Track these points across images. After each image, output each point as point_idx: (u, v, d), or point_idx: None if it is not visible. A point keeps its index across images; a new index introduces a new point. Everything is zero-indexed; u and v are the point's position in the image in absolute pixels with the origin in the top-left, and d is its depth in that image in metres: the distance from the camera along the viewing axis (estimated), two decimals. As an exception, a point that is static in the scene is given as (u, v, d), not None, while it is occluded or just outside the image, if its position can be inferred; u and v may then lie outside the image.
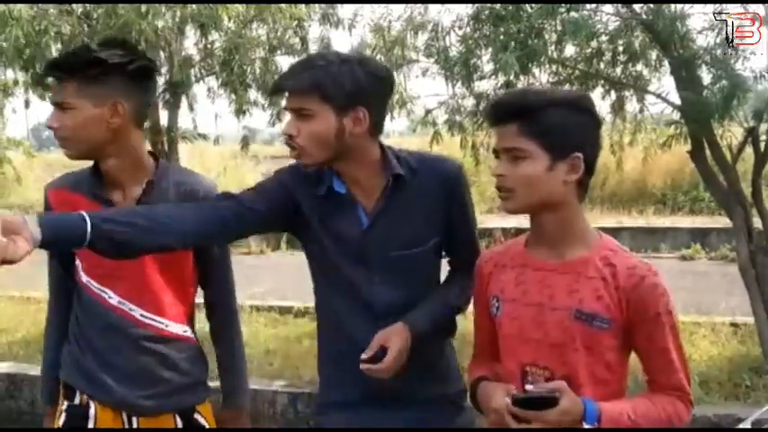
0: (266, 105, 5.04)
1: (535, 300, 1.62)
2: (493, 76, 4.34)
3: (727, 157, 4.14)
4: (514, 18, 3.85)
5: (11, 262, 1.38)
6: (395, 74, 4.76)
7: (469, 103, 4.69)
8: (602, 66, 4.65)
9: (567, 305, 1.58)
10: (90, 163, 1.95)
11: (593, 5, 4.03)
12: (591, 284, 1.57)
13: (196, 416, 2.01)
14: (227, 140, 7.49)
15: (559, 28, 3.93)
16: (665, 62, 4.36)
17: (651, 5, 3.87)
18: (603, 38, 4.26)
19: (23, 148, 8.38)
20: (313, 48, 4.58)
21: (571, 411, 1.49)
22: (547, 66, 4.26)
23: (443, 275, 1.99)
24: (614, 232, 9.47)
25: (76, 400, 1.95)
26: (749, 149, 4.16)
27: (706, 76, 3.88)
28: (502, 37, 3.85)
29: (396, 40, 3.96)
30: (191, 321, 2.04)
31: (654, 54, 4.57)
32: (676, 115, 4.25)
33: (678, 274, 7.64)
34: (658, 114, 4.94)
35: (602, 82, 4.74)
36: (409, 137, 14.20)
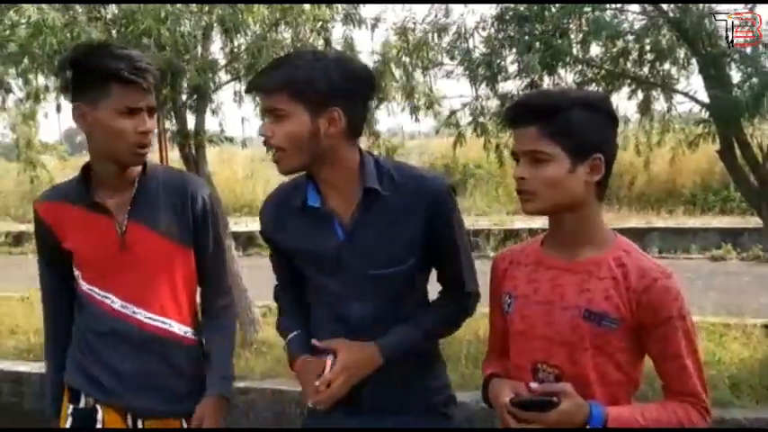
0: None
1: (546, 298, 1.63)
2: (517, 77, 4.33)
3: (757, 157, 4.08)
4: (538, 18, 3.83)
5: None
6: (422, 75, 4.82)
7: (494, 104, 4.67)
8: (628, 65, 4.60)
9: (576, 304, 1.58)
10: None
11: (618, 5, 3.99)
12: (602, 284, 1.57)
13: None
14: (255, 143, 7.52)
15: (584, 28, 3.91)
16: (694, 60, 4.31)
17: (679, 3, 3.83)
18: (629, 37, 4.23)
19: (57, 153, 8.54)
20: (337, 49, 4.59)
21: (573, 413, 1.49)
22: (572, 66, 4.22)
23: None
24: (643, 233, 9.49)
25: (81, 404, 1.96)
26: (780, 148, 4.09)
27: (735, 74, 3.84)
28: (526, 37, 3.84)
29: (419, 43, 3.96)
30: (194, 322, 2.05)
31: (682, 52, 4.52)
32: (705, 114, 4.21)
33: (709, 275, 7.54)
34: (686, 113, 4.88)
35: (629, 81, 4.69)
36: (434, 138, 14.20)
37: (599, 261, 1.59)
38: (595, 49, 4.51)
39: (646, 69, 4.67)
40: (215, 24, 4.51)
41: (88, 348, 1.95)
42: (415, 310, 1.86)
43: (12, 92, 6.84)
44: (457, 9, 4.16)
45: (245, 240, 11.00)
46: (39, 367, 5.00)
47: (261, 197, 14.10)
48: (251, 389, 4.33)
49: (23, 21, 3.90)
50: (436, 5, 4.14)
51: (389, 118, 4.98)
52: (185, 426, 1.98)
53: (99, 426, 1.93)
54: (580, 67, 4.32)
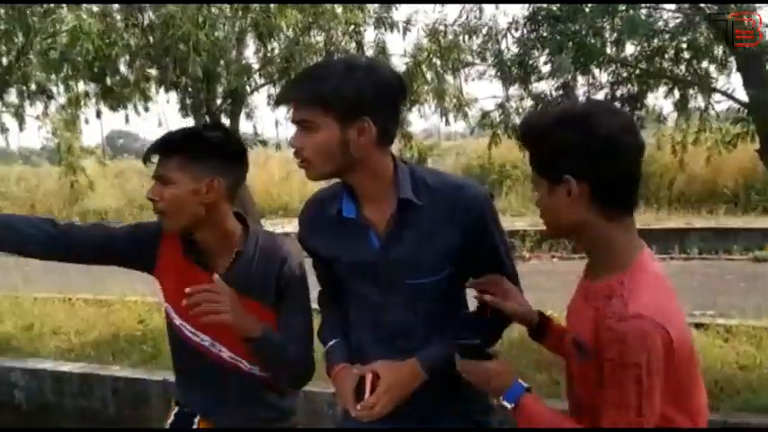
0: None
1: (569, 320, 1.62)
2: (551, 78, 4.30)
3: (799, 155, 3.98)
4: (571, 18, 3.80)
5: None
6: (453, 77, 4.82)
7: (527, 104, 4.64)
8: (665, 63, 4.54)
9: (573, 329, 1.56)
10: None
11: (653, 4, 3.93)
12: (588, 313, 1.48)
13: None
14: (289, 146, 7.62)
15: (618, 27, 3.86)
16: (732, 58, 4.23)
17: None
18: (665, 35, 4.16)
19: (96, 157, 8.70)
20: (369, 52, 4.61)
21: (501, 375, 1.56)
22: (605, 65, 4.17)
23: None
24: (683, 234, 9.31)
25: (186, 408, 2.13)
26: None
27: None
28: (558, 37, 3.81)
29: (450, 45, 3.96)
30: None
31: (720, 50, 4.44)
32: (744, 113, 4.12)
33: (751, 276, 7.38)
34: (724, 112, 4.78)
35: (665, 80, 4.63)
36: (471, 138, 14.13)
37: (598, 288, 1.49)
38: (630, 48, 4.46)
39: (683, 68, 4.60)
40: (249, 29, 4.57)
41: (189, 379, 2.14)
42: (456, 319, 1.83)
43: (54, 98, 7.04)
44: (488, 10, 4.16)
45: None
46: (80, 367, 5.12)
47: (297, 199, 14.27)
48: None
49: (64, 28, 3.99)
50: (468, 6, 4.13)
51: (423, 120, 4.97)
52: None
53: (195, 426, 2.09)
54: (614, 66, 4.26)
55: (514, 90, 4.78)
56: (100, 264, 2.08)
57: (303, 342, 1.97)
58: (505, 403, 1.53)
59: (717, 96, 4.59)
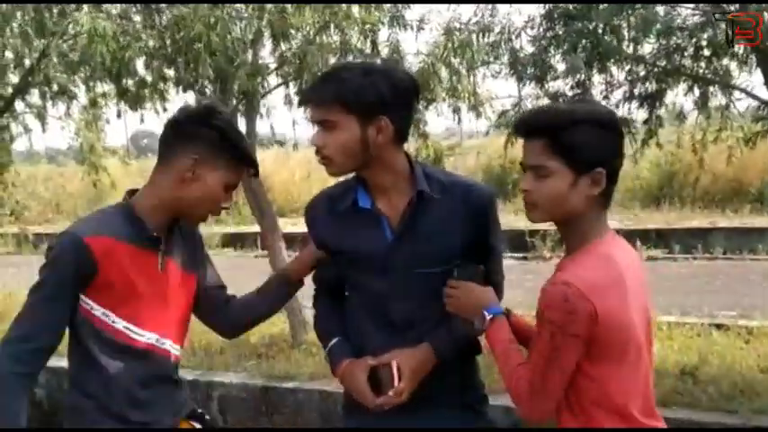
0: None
1: None
2: (568, 76, 4.26)
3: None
4: (585, 16, 3.76)
5: None
6: (468, 76, 4.79)
7: (544, 103, 4.59)
8: (684, 61, 4.47)
9: None
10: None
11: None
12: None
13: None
14: (307, 145, 7.62)
15: (635, 24, 3.81)
16: (753, 56, 4.15)
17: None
18: (684, 33, 4.10)
19: (119, 157, 8.79)
20: (384, 51, 4.60)
21: (483, 293, 1.79)
22: (622, 64, 4.12)
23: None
24: (706, 233, 9.18)
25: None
26: None
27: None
28: (573, 35, 3.77)
29: (463, 43, 3.93)
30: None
31: (741, 47, 4.36)
32: (765, 111, 4.05)
33: (775, 277, 7.27)
34: (744, 110, 4.70)
35: (684, 78, 4.56)
36: (492, 137, 14.03)
37: (559, 264, 1.71)
38: (648, 46, 4.40)
39: (702, 65, 4.53)
40: (264, 29, 4.58)
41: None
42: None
43: (76, 99, 7.13)
44: (503, 8, 4.13)
45: (303, 241, 11.13)
46: (98, 365, 5.18)
47: (317, 198, 14.37)
48: (299, 389, 4.38)
49: (80, 30, 4.04)
50: (482, 5, 4.11)
51: (442, 118, 4.97)
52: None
53: None
54: (631, 64, 4.21)
55: (531, 89, 4.76)
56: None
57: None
58: (486, 316, 1.74)
59: (737, 94, 4.50)
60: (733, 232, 9.41)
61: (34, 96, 7.19)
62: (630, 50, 4.26)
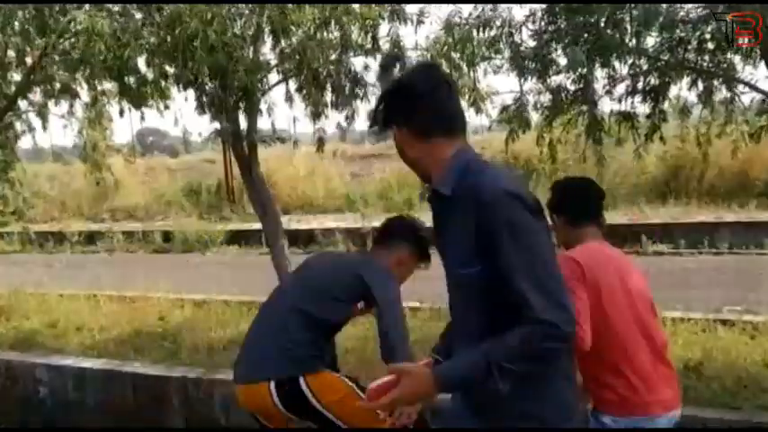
0: (341, 107, 5.08)
1: None
2: (570, 71, 4.22)
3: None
4: (587, 10, 3.72)
5: None
6: (468, 71, 4.75)
7: (545, 98, 4.57)
8: (687, 55, 4.42)
9: None
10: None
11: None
12: None
13: None
14: (309, 142, 7.58)
15: (636, 18, 3.77)
16: (757, 49, 4.10)
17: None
18: (688, 26, 4.05)
19: (122, 155, 8.78)
20: (385, 47, 4.56)
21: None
22: (624, 58, 4.08)
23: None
24: (713, 228, 9.11)
25: None
26: None
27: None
28: (575, 29, 3.73)
29: (463, 37, 3.90)
30: None
31: (745, 39, 4.31)
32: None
33: (782, 272, 7.22)
34: (749, 104, 4.65)
35: (688, 71, 4.51)
36: (497, 132, 13.95)
37: None
38: (651, 40, 4.35)
39: (706, 58, 4.48)
40: (264, 25, 4.55)
41: None
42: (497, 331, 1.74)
43: (79, 97, 7.12)
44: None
45: (306, 238, 11.12)
46: (102, 363, 5.17)
47: (321, 195, 14.28)
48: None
49: (78, 28, 4.02)
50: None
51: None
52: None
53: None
54: (632, 59, 4.17)
55: (532, 84, 4.72)
56: None
57: None
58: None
59: (742, 87, 4.45)
60: (739, 227, 9.34)
61: (37, 95, 7.18)
62: (633, 44, 4.22)
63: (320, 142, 5.13)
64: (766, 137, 4.11)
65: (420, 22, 4.26)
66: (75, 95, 6.96)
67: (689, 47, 4.40)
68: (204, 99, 4.91)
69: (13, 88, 6.68)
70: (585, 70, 3.81)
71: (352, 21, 4.52)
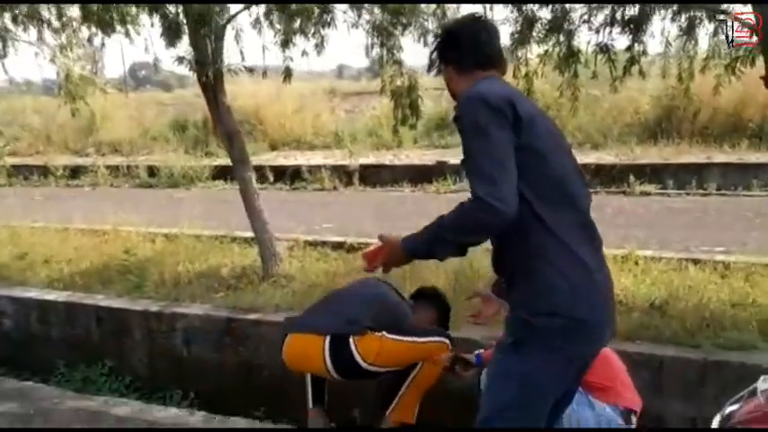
0: (311, 35, 4.89)
1: None
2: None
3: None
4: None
5: None
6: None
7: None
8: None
9: None
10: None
11: None
12: None
13: None
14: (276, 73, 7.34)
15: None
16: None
17: None
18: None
19: (98, 87, 8.51)
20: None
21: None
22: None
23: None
24: (701, 168, 8.96)
25: None
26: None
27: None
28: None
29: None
30: None
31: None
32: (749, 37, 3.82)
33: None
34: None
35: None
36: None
37: None
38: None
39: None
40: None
41: None
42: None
43: (49, 23, 6.85)
44: None
45: (292, 174, 11.00)
46: (66, 296, 5.11)
47: (310, 132, 14.05)
48: (262, 321, 4.30)
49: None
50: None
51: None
52: None
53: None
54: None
55: (507, 11, 4.54)
56: None
57: None
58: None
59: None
60: (729, 168, 9.21)
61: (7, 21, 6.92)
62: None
63: (287, 72, 4.95)
64: (743, 70, 3.93)
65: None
66: (42, 21, 6.70)
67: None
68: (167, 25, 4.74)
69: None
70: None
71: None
